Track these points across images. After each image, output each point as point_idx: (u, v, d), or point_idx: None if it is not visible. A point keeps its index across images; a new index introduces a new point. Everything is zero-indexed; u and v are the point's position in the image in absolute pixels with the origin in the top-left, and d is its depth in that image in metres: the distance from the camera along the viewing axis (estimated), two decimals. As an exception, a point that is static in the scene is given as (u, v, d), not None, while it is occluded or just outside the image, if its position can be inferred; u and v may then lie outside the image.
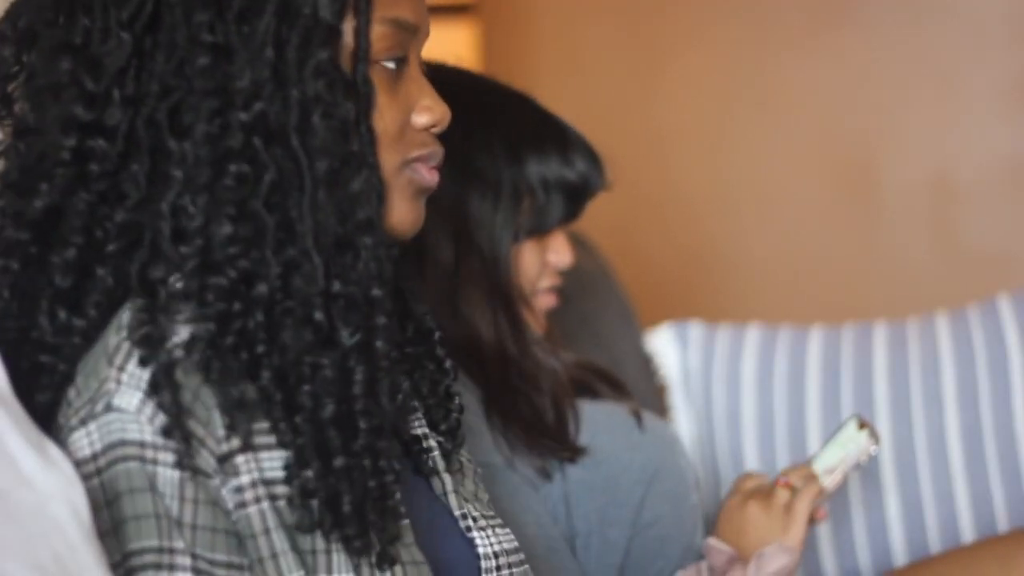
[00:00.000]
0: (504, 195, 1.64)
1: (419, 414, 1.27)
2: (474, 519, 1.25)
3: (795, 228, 2.89)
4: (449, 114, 1.21)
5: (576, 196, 1.69)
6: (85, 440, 1.08)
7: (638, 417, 1.68)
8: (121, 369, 1.08)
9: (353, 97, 1.13)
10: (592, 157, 1.70)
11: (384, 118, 1.16)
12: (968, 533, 2.02)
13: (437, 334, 1.28)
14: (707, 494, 2.06)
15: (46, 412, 1.11)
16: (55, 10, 1.14)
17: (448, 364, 1.29)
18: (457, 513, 1.24)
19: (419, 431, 1.26)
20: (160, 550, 1.05)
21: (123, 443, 1.07)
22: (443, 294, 1.61)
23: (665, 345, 2.22)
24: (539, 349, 1.65)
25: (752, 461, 2.12)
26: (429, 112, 1.19)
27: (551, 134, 1.69)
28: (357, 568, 1.11)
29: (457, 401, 1.30)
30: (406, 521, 1.16)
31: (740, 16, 2.89)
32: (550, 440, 1.61)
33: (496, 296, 1.62)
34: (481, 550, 1.23)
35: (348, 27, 1.14)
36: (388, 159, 1.16)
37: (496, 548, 1.24)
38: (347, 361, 1.11)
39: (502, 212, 1.64)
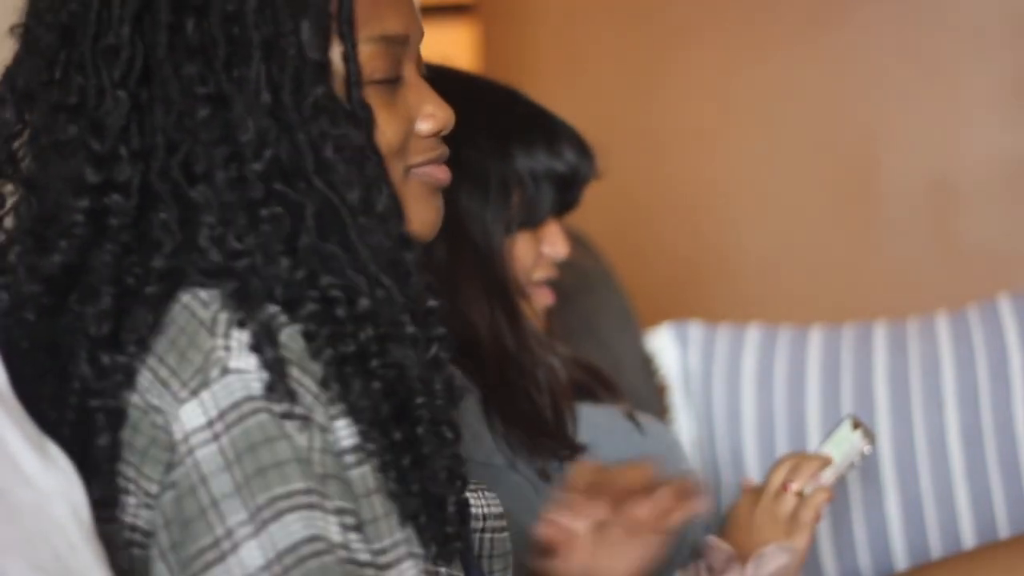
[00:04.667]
0: (493, 188, 1.64)
1: None
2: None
3: (795, 228, 2.88)
4: (453, 116, 1.21)
5: (566, 186, 1.69)
6: (199, 409, 1.06)
7: (632, 419, 1.68)
8: (227, 336, 1.07)
9: (354, 123, 1.13)
10: (581, 147, 1.70)
11: (386, 134, 1.15)
12: (968, 533, 2.02)
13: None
14: (707, 495, 2.06)
15: (109, 455, 1.10)
16: (49, 70, 1.13)
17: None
18: None
19: None
20: (309, 491, 1.04)
21: (250, 398, 1.06)
22: (439, 292, 1.60)
23: (665, 345, 2.22)
24: (536, 344, 1.65)
25: (752, 461, 2.12)
26: (432, 119, 1.19)
27: (537, 126, 1.69)
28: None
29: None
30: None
31: (739, 16, 2.89)
32: (549, 438, 1.60)
33: (492, 290, 1.62)
34: (473, 511, 1.25)
35: (336, 54, 1.13)
36: (392, 171, 1.16)
37: (484, 511, 1.26)
38: (429, 373, 1.13)
39: (493, 205, 1.64)
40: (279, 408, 1.05)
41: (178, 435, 1.06)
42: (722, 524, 1.64)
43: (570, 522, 1.27)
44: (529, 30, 3.03)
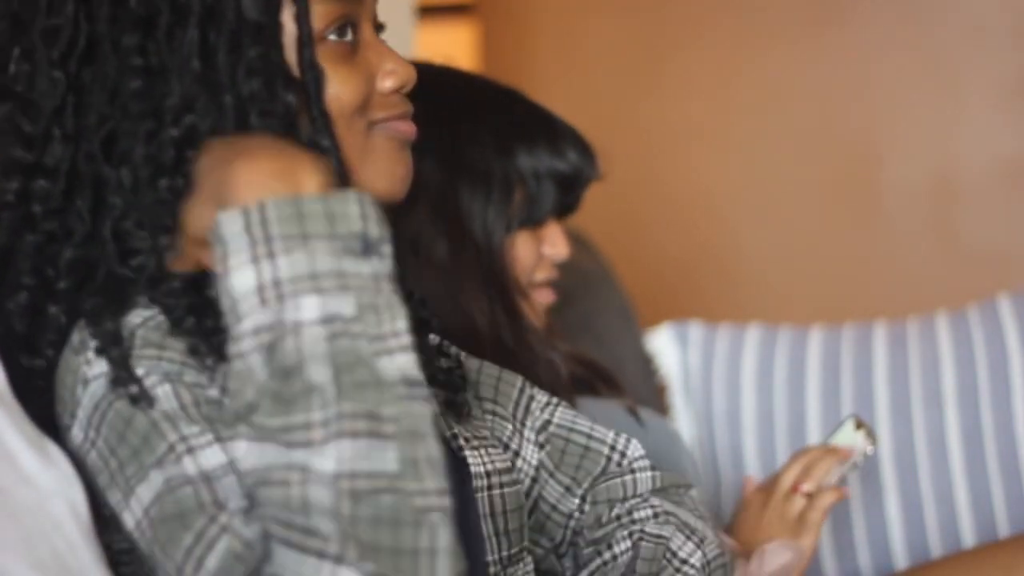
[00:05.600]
0: (495, 186, 1.64)
1: None
2: (465, 439, 1.25)
3: (795, 228, 2.89)
4: (415, 73, 1.19)
5: (569, 187, 1.69)
6: (77, 429, 1.08)
7: (634, 413, 1.68)
8: (85, 349, 1.09)
9: (296, 86, 1.12)
10: (583, 147, 1.70)
11: (344, 92, 1.15)
12: (968, 533, 2.02)
13: (432, 322, 1.27)
14: (707, 494, 2.06)
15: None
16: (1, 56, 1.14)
17: (447, 348, 1.30)
18: (447, 434, 1.24)
19: None
20: (172, 447, 1.04)
21: (104, 395, 1.07)
22: (439, 289, 1.61)
23: (665, 345, 2.22)
24: (536, 340, 1.65)
25: (752, 461, 2.12)
26: (394, 76, 1.18)
27: (540, 126, 1.69)
28: None
29: (459, 369, 1.30)
30: None
31: (739, 16, 2.90)
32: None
33: (492, 287, 1.63)
34: (473, 469, 1.23)
35: (288, 14, 1.13)
36: (353, 129, 1.15)
37: (488, 467, 1.25)
38: None
39: (494, 203, 1.64)
40: (132, 390, 1.06)
41: (73, 447, 1.09)
42: (730, 521, 1.64)
43: None
44: (529, 30, 3.03)
